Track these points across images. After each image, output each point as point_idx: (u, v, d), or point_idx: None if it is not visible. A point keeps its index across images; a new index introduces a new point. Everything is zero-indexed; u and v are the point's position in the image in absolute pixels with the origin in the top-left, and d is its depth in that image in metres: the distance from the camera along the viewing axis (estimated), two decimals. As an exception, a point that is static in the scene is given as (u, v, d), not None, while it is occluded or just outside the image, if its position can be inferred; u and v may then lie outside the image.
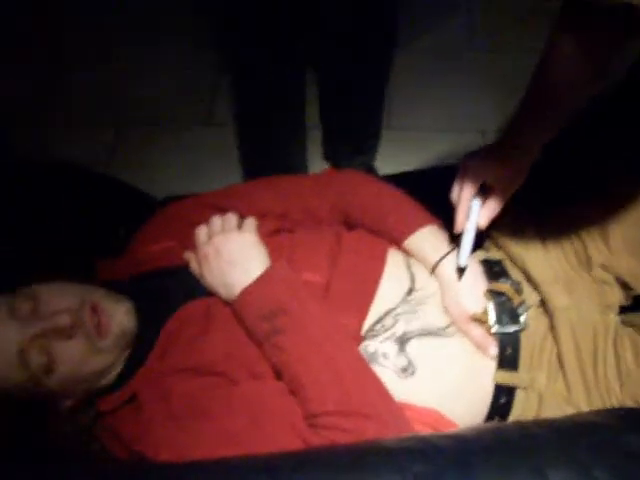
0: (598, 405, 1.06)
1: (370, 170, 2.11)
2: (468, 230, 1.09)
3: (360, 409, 0.96)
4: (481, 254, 1.21)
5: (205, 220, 1.16)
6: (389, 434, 0.94)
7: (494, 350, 1.10)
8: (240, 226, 1.15)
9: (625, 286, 1.13)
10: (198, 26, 2.60)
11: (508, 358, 1.10)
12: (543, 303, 1.14)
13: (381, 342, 1.08)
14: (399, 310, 1.10)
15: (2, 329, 1.01)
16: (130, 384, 1.08)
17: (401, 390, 1.04)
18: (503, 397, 1.09)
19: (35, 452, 0.85)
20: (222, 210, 1.19)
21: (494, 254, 1.22)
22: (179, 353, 1.07)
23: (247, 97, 1.91)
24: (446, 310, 1.12)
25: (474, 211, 1.08)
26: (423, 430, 1.03)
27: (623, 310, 1.13)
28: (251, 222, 1.15)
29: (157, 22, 2.70)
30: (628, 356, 1.06)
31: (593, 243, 1.16)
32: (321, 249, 1.17)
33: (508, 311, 1.12)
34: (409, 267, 1.17)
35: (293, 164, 2.04)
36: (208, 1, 2.46)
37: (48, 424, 1.09)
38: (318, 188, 1.28)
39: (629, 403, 1.04)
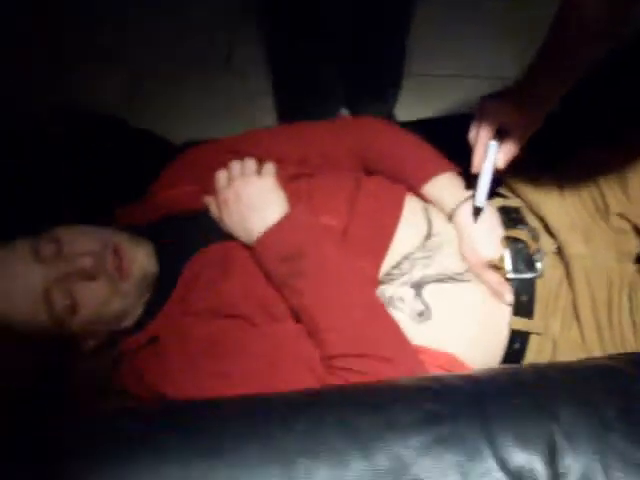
0: (611, 351, 1.07)
1: (389, 117, 2.10)
2: (485, 171, 1.10)
3: (376, 351, 0.97)
4: (498, 201, 1.21)
5: (224, 165, 1.16)
6: (404, 375, 0.95)
7: (509, 296, 1.10)
8: (259, 171, 1.15)
9: (642, 234, 1.13)
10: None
11: (523, 304, 1.11)
12: (560, 251, 1.14)
13: (398, 286, 1.09)
14: (416, 255, 1.11)
15: (27, 271, 1.03)
16: (151, 326, 1.09)
17: (417, 334, 1.05)
18: (517, 342, 1.10)
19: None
20: (241, 155, 1.19)
21: (512, 201, 1.22)
22: (199, 295, 1.09)
23: (271, 43, 1.90)
24: (463, 256, 1.13)
25: (491, 152, 1.09)
26: (438, 372, 1.05)
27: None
28: (270, 167, 1.16)
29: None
30: None
31: (611, 191, 1.16)
32: (339, 194, 1.17)
33: (524, 258, 1.12)
34: (427, 213, 1.17)
35: (314, 112, 2.03)
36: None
37: (71, 364, 1.12)
38: (337, 134, 1.28)
39: (643, 351, 1.05)
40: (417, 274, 1.10)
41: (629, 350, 1.06)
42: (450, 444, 0.75)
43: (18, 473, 0.75)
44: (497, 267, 1.11)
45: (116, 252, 1.07)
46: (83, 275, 1.04)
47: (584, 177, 1.19)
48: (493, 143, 1.09)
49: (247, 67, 2.35)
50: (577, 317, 1.11)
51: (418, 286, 1.09)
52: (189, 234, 1.17)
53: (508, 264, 1.12)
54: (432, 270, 1.10)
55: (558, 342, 1.10)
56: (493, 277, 1.11)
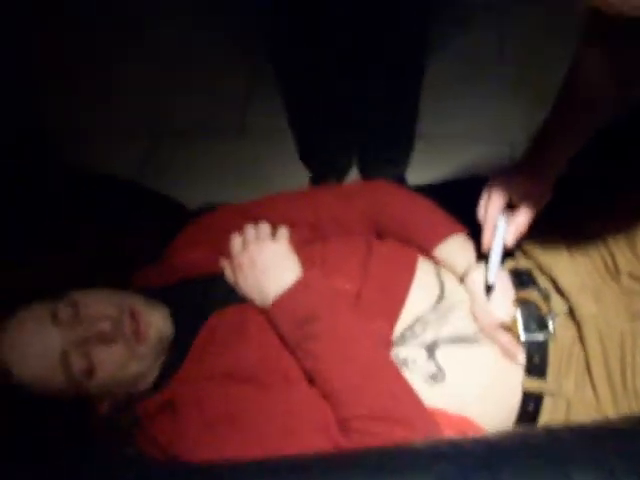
0: (626, 413, 1.06)
1: (400, 180, 2.12)
2: (495, 248, 1.11)
3: (391, 413, 0.98)
4: (510, 263, 1.22)
5: (239, 229, 1.19)
6: (418, 438, 0.95)
7: (522, 357, 1.11)
8: (273, 235, 1.17)
9: (653, 294, 1.13)
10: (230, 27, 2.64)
11: (536, 366, 1.11)
12: (571, 311, 1.14)
13: (411, 348, 1.10)
14: (429, 317, 1.12)
15: (46, 334, 1.05)
16: (166, 389, 1.10)
17: (430, 396, 1.06)
18: (531, 404, 1.10)
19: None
20: (255, 219, 1.22)
21: (522, 263, 1.23)
22: (214, 359, 1.10)
23: (284, 109, 1.93)
24: (474, 317, 1.14)
25: (500, 229, 1.10)
26: (452, 435, 1.04)
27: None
28: (284, 231, 1.18)
29: (189, 35, 2.75)
30: None
31: (620, 252, 1.17)
32: (352, 258, 1.19)
33: (536, 319, 1.13)
34: (438, 275, 1.18)
35: (328, 176, 2.06)
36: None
37: (86, 427, 1.12)
38: (349, 198, 1.30)
39: (657, 411, 1.05)
40: (430, 336, 1.11)
41: (643, 408, 1.05)
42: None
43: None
44: (509, 329, 1.12)
45: (133, 316, 1.09)
46: (101, 339, 1.06)
47: (593, 238, 1.20)
48: (501, 220, 1.10)
49: (260, 133, 2.40)
50: (590, 377, 1.10)
51: (431, 348, 1.10)
52: (204, 297, 1.18)
53: (520, 325, 1.12)
54: (445, 332, 1.11)
55: (572, 402, 1.10)
56: (505, 339, 1.11)
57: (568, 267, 1.18)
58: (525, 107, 2.31)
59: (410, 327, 1.11)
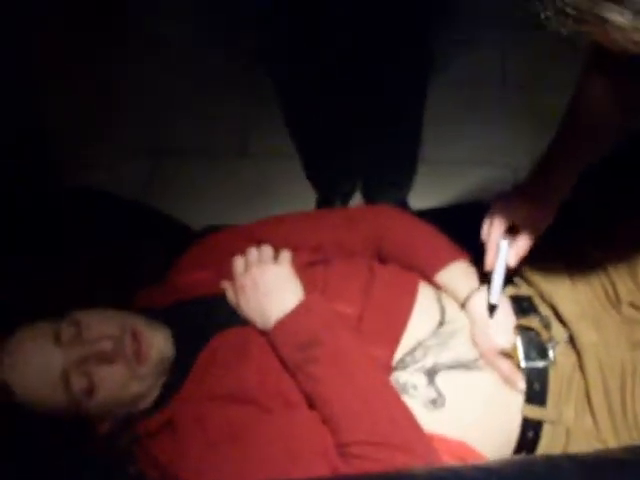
0: (626, 440, 1.06)
1: (403, 205, 2.12)
2: (498, 269, 1.11)
3: (390, 439, 0.98)
4: (510, 290, 1.22)
5: (242, 251, 1.19)
6: (418, 464, 0.96)
7: (522, 385, 1.11)
8: (276, 258, 1.18)
9: (654, 324, 1.14)
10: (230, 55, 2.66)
11: (536, 393, 1.11)
12: (571, 339, 1.14)
13: (411, 374, 1.10)
14: (429, 342, 1.12)
15: (47, 354, 1.05)
16: (167, 409, 1.10)
17: (430, 421, 1.05)
18: (530, 431, 1.10)
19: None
20: (258, 242, 1.22)
21: (523, 290, 1.23)
22: (214, 380, 1.10)
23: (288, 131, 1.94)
24: (475, 343, 1.14)
25: (503, 251, 1.10)
26: (451, 461, 1.04)
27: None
28: (286, 254, 1.19)
29: (189, 54, 2.76)
30: None
31: (621, 280, 1.17)
32: (354, 282, 1.19)
33: (536, 346, 1.13)
34: (440, 300, 1.19)
35: (330, 196, 2.07)
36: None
37: (87, 446, 1.12)
38: (351, 222, 1.31)
39: (657, 441, 1.05)
40: (430, 361, 1.11)
41: (643, 437, 1.05)
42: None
43: None
44: (509, 355, 1.12)
45: (134, 336, 1.09)
46: (102, 358, 1.06)
47: (594, 267, 1.20)
48: (504, 242, 1.10)
49: (262, 155, 2.40)
50: (590, 405, 1.10)
51: (431, 373, 1.10)
52: (207, 319, 1.18)
53: (520, 353, 1.13)
54: (445, 357, 1.11)
55: (572, 430, 1.10)
56: (505, 365, 1.11)
57: (569, 295, 1.18)
58: (528, 132, 2.31)
59: (411, 352, 1.12)
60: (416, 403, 1.07)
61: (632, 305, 1.15)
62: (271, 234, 1.28)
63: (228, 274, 1.19)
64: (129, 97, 2.65)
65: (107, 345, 1.06)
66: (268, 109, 2.32)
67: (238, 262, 1.18)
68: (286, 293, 1.11)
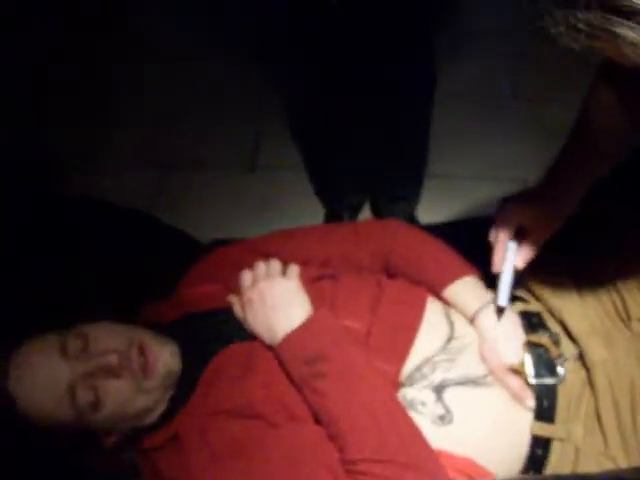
0: (636, 459, 1.05)
1: (411, 219, 2.13)
2: (505, 271, 1.11)
3: (397, 456, 0.97)
4: (519, 306, 1.21)
5: (250, 265, 1.19)
6: (425, 481, 0.95)
7: (531, 402, 1.10)
8: (284, 272, 1.18)
9: (665, 340, 1.13)
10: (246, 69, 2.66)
11: (545, 410, 1.10)
12: (581, 356, 1.14)
13: (419, 390, 1.09)
14: (437, 358, 1.12)
15: (54, 367, 1.05)
16: (172, 423, 1.10)
17: (438, 438, 1.05)
18: (539, 448, 1.09)
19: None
20: (266, 256, 1.22)
21: (532, 306, 1.22)
22: (220, 394, 1.10)
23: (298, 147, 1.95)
24: (484, 359, 1.13)
25: (510, 252, 1.10)
26: (458, 478, 1.04)
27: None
28: (294, 268, 1.18)
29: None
30: None
31: (631, 296, 1.16)
32: (362, 296, 1.19)
33: (546, 363, 1.12)
34: (448, 316, 1.18)
35: (338, 210, 2.07)
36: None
37: (91, 459, 1.12)
38: (359, 236, 1.31)
39: (668, 459, 1.04)
40: (438, 377, 1.10)
41: (653, 455, 1.04)
42: None
43: None
44: (518, 372, 1.11)
45: (141, 350, 1.09)
46: (108, 372, 1.06)
47: (604, 283, 1.19)
48: (512, 244, 1.10)
49: (271, 168, 2.40)
50: (600, 423, 1.09)
51: (439, 389, 1.09)
52: (213, 332, 1.18)
53: (529, 369, 1.12)
54: (453, 373, 1.11)
55: (581, 448, 1.08)
56: (514, 382, 1.10)
57: (578, 311, 1.17)
58: (538, 145, 2.30)
59: (419, 368, 1.11)
60: (424, 419, 1.06)
61: (642, 321, 1.14)
62: (279, 248, 1.28)
63: (235, 288, 1.19)
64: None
65: (114, 359, 1.06)
66: (277, 122, 2.33)
67: (246, 276, 1.17)
68: (294, 308, 1.11)
